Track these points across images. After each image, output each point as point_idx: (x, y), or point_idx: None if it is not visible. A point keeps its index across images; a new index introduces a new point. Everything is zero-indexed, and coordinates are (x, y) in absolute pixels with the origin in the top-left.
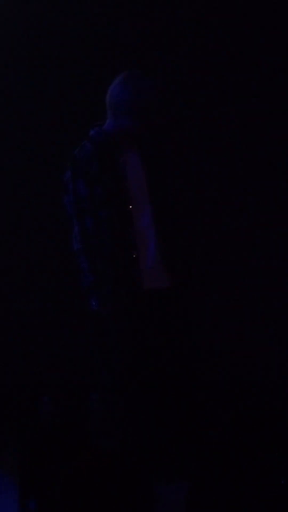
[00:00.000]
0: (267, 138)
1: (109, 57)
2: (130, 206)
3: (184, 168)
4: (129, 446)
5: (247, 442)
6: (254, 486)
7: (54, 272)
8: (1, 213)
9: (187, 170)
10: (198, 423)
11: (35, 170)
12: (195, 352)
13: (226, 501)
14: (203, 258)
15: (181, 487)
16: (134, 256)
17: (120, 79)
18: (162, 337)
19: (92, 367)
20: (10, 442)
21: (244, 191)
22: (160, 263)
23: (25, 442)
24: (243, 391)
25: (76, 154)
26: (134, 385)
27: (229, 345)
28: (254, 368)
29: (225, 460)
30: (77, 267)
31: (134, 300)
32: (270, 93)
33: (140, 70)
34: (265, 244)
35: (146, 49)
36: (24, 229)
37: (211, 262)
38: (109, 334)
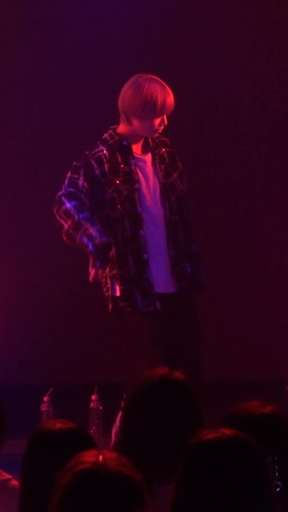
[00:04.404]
0: (277, 141)
1: (120, 63)
2: (140, 209)
3: (195, 172)
4: (128, 445)
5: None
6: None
7: (61, 274)
8: (11, 213)
9: (198, 174)
10: (195, 421)
11: (45, 173)
12: (198, 354)
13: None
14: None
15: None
16: (145, 258)
17: (131, 82)
18: (171, 337)
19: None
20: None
21: (252, 192)
22: (168, 268)
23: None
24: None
25: (87, 153)
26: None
27: (231, 346)
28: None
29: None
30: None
31: (146, 302)
32: (271, 96)
33: (151, 73)
34: (270, 244)
35: (149, 51)
36: (33, 231)
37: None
38: (123, 336)
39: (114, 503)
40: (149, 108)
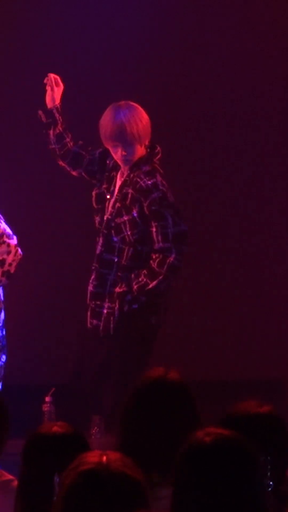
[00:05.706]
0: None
1: (120, 63)
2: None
3: (195, 172)
4: (127, 448)
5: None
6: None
7: (61, 274)
8: (11, 214)
9: (198, 174)
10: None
11: (44, 177)
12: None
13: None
14: None
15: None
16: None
17: (108, 112)
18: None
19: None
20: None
21: (252, 192)
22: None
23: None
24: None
25: None
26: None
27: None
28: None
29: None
30: None
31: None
32: (270, 99)
33: (150, 73)
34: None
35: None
36: (33, 232)
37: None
38: None
39: (117, 503)
40: (101, 134)
